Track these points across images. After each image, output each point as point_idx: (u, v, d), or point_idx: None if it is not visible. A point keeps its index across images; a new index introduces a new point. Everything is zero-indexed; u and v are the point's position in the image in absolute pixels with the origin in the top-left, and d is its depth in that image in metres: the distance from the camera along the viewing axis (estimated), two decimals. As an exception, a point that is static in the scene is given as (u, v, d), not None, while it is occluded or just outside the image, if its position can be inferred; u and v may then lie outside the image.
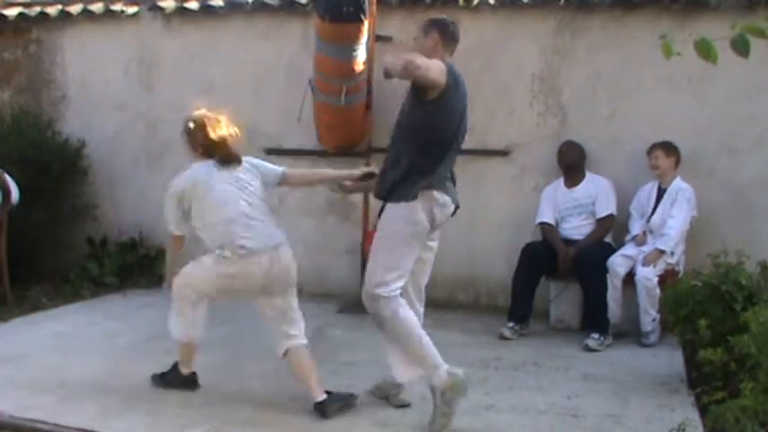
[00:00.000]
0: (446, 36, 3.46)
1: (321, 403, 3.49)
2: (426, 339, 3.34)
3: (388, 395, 3.63)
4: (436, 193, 3.35)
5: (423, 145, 3.31)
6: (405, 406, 3.57)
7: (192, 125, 3.71)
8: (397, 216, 3.32)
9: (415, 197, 3.29)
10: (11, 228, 5.45)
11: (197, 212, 3.65)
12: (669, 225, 4.80)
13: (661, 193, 4.94)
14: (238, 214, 3.53)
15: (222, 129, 3.71)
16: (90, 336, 4.79)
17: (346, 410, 3.50)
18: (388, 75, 3.29)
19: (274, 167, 3.87)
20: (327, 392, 3.53)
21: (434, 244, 3.58)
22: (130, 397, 3.68)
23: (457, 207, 3.52)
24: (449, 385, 3.26)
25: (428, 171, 3.32)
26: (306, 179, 4.17)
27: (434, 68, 3.21)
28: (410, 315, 3.37)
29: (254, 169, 3.76)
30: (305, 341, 3.70)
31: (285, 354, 3.64)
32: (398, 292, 3.35)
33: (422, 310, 3.65)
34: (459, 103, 3.39)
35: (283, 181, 3.88)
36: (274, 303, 3.63)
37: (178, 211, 3.73)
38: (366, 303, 3.40)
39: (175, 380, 3.80)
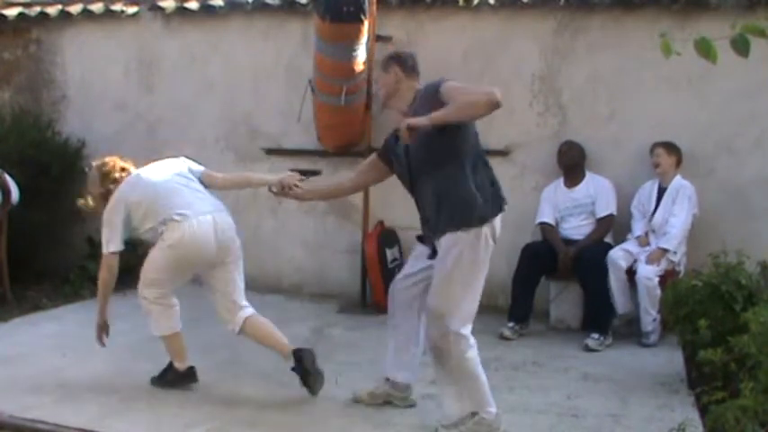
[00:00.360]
0: (406, 68, 3.49)
1: (299, 351, 3.65)
2: (484, 379, 3.31)
3: (390, 398, 3.61)
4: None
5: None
6: (412, 406, 3.60)
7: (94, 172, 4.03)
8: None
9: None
10: (11, 228, 5.46)
11: (138, 215, 3.80)
12: (671, 224, 4.80)
13: (661, 192, 4.94)
14: (172, 190, 3.76)
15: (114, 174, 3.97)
16: (90, 336, 4.75)
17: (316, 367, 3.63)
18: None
19: (198, 167, 4.07)
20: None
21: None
22: (130, 397, 3.68)
23: None
24: (487, 422, 3.23)
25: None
26: (230, 183, 4.21)
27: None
28: (475, 353, 3.29)
29: (183, 163, 4.02)
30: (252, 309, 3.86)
31: (242, 329, 3.79)
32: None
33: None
34: None
35: (203, 181, 3.99)
36: (228, 272, 3.82)
37: (120, 226, 3.85)
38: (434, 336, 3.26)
39: (174, 378, 3.81)
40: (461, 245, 3.19)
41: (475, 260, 3.26)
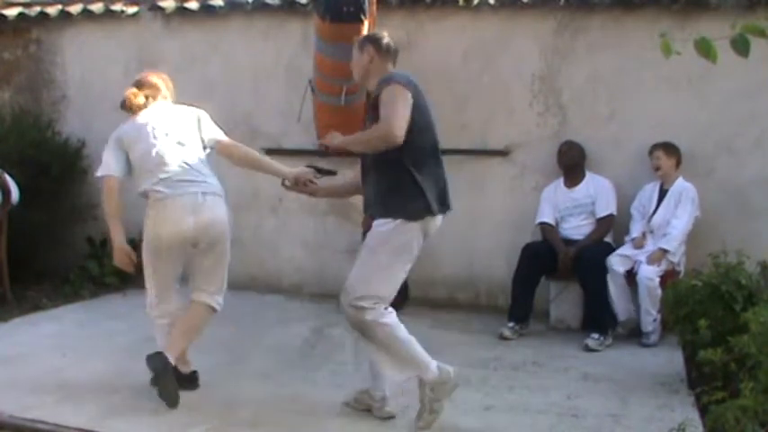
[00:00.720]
0: (381, 50, 3.44)
1: (190, 374, 3.71)
2: (411, 339, 3.34)
3: (370, 407, 3.53)
4: None
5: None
6: (391, 417, 3.48)
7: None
8: None
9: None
10: (11, 228, 5.46)
11: (134, 166, 3.80)
12: (673, 225, 4.80)
13: (663, 194, 4.94)
14: (163, 156, 3.66)
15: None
16: (90, 336, 4.79)
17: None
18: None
19: (213, 131, 3.82)
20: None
21: None
22: (130, 397, 3.68)
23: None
24: (438, 381, 3.27)
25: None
26: (244, 161, 3.90)
27: (404, 110, 3.19)
28: (393, 318, 3.32)
29: (196, 122, 3.78)
30: (215, 305, 3.76)
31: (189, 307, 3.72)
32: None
33: None
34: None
35: (215, 148, 3.83)
36: (204, 262, 3.72)
37: (113, 156, 3.83)
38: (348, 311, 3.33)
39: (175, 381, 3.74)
40: (387, 229, 3.27)
41: (397, 248, 3.29)
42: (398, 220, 3.25)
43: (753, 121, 5.03)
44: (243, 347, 4.51)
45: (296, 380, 3.88)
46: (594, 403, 3.71)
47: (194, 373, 3.83)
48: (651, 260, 4.71)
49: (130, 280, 6.08)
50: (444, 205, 3.42)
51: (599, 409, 3.64)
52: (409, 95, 3.21)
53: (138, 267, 3.79)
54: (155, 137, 3.67)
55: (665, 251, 4.73)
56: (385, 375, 3.41)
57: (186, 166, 3.66)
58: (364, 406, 3.56)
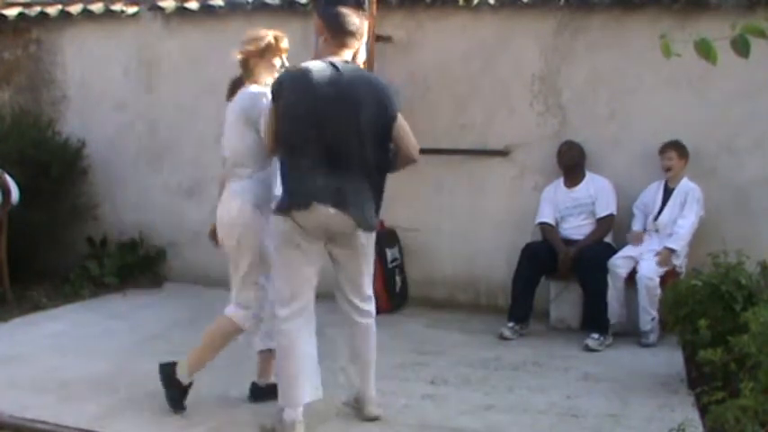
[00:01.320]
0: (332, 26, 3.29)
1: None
2: (297, 369, 3.27)
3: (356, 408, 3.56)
4: None
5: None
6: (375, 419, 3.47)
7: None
8: None
9: None
10: (11, 228, 5.46)
11: None
12: (680, 224, 4.81)
13: (668, 193, 4.94)
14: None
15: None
16: (90, 336, 4.79)
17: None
18: None
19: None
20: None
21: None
22: (130, 397, 3.68)
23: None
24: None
25: None
26: None
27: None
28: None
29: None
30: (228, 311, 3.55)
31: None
32: None
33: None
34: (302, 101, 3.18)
35: None
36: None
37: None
38: None
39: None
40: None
41: (276, 246, 3.27)
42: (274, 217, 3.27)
43: (753, 121, 5.03)
44: (242, 348, 4.50)
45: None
46: (594, 403, 3.71)
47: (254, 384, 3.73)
48: (660, 261, 4.69)
49: (130, 280, 6.11)
50: (303, 200, 3.14)
51: (599, 409, 3.64)
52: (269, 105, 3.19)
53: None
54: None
55: (671, 250, 4.73)
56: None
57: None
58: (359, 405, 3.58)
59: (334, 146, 3.15)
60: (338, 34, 3.27)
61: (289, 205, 3.16)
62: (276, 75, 3.43)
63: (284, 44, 3.53)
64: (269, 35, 3.49)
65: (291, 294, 3.24)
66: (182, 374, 3.51)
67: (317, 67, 3.20)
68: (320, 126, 3.13)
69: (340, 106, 3.14)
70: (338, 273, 3.40)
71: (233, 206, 3.39)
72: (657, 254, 4.75)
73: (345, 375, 3.60)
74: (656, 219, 4.95)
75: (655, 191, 5.02)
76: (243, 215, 3.36)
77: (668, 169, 4.92)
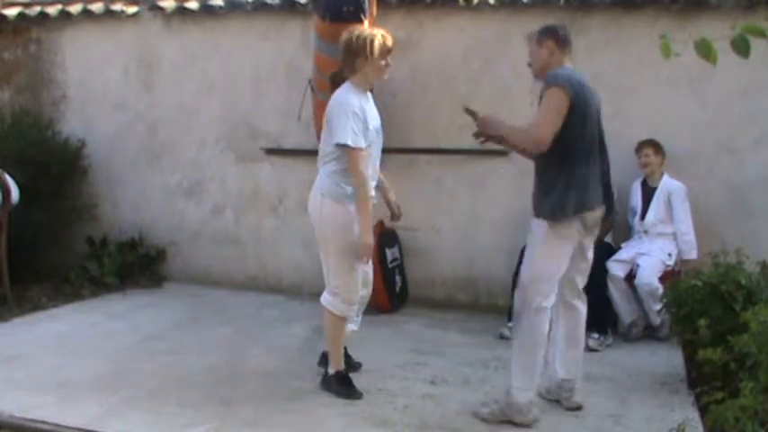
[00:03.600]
0: (559, 41, 3.48)
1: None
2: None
3: (559, 397, 3.66)
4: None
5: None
6: (578, 408, 3.61)
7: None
8: None
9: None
10: (11, 228, 5.45)
11: None
12: (683, 231, 4.82)
13: (648, 192, 4.95)
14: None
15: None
16: (90, 336, 4.79)
17: None
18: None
19: None
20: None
21: None
22: (130, 397, 3.68)
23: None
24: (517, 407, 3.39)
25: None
26: None
27: (556, 118, 3.32)
28: None
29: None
30: (322, 301, 3.78)
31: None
32: None
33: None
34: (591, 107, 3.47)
35: None
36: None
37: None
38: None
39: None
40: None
41: (550, 243, 3.47)
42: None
43: (753, 121, 5.03)
44: (243, 347, 4.51)
45: (296, 380, 3.88)
46: (594, 403, 3.71)
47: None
48: (688, 273, 4.65)
49: (130, 280, 6.11)
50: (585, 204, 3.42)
51: (599, 408, 3.64)
52: (566, 100, 3.29)
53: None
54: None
55: (692, 259, 4.77)
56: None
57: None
58: (555, 396, 3.68)
59: (595, 149, 3.51)
60: (565, 46, 3.51)
61: (585, 207, 3.42)
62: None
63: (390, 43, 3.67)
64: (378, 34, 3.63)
65: (553, 287, 3.45)
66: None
67: (580, 74, 3.49)
68: (594, 132, 3.50)
69: (599, 116, 3.55)
70: (576, 263, 3.56)
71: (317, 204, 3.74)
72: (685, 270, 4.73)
73: (551, 364, 3.68)
74: (642, 219, 4.96)
75: (636, 191, 5.04)
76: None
77: (646, 165, 4.94)
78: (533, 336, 3.38)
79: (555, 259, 3.41)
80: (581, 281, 3.64)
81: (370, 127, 3.63)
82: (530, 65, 3.59)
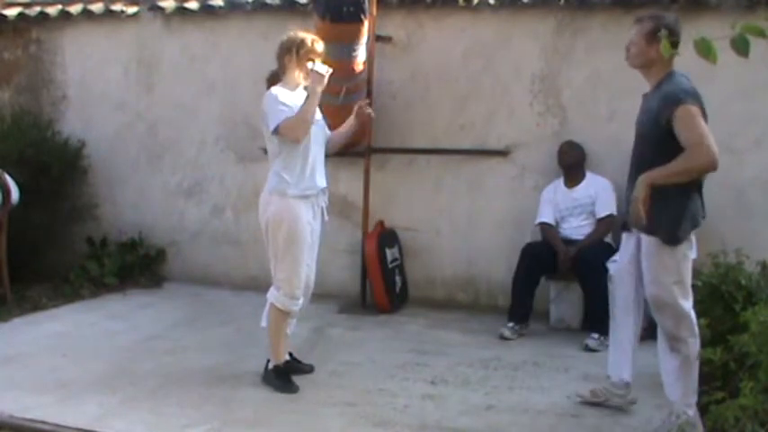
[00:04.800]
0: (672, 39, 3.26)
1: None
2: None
3: (608, 398, 3.65)
4: None
5: None
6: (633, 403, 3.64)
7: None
8: None
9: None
10: (11, 228, 5.45)
11: None
12: None
13: None
14: None
15: None
16: (90, 336, 4.79)
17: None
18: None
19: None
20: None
21: None
22: (130, 397, 3.68)
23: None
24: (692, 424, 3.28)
25: None
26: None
27: (705, 131, 3.30)
28: None
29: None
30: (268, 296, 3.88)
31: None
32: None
33: None
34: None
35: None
36: None
37: None
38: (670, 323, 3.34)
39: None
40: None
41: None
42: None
43: (753, 121, 5.03)
44: (243, 347, 4.51)
45: (296, 380, 3.88)
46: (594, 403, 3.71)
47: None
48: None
49: (130, 280, 6.11)
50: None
51: (599, 409, 3.64)
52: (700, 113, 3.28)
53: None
54: None
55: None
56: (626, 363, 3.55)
57: None
58: (602, 398, 3.65)
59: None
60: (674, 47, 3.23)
61: (696, 225, 3.40)
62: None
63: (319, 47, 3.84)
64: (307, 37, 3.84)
65: None
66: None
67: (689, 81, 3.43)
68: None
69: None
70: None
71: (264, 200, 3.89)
72: None
73: (616, 366, 3.67)
74: None
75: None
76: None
77: None
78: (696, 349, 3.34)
79: (687, 273, 3.34)
80: None
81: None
82: (628, 49, 3.48)
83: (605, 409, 3.63)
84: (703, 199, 3.47)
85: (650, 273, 3.35)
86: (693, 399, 3.31)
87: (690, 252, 3.37)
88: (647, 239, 3.32)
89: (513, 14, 5.42)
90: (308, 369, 4.08)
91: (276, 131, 3.67)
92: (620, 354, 3.65)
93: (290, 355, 4.05)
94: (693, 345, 3.31)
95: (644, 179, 3.17)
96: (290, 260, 3.73)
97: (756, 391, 2.84)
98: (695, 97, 3.31)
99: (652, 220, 3.19)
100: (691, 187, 3.35)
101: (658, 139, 3.31)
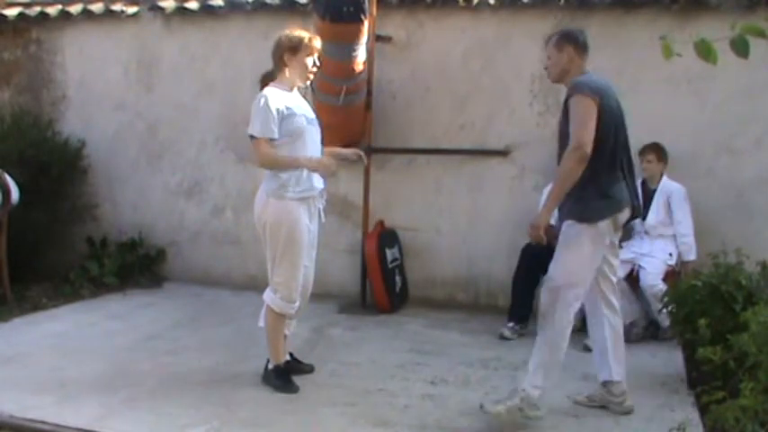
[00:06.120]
0: (579, 47, 3.52)
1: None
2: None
3: (608, 402, 3.63)
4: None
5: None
6: (629, 413, 3.58)
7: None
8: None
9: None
10: (11, 228, 5.45)
11: None
12: (683, 233, 4.81)
13: (648, 193, 4.95)
14: None
15: None
16: (90, 336, 4.79)
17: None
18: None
19: None
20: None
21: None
22: (130, 397, 3.68)
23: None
24: (530, 401, 3.38)
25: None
26: None
27: (590, 123, 3.32)
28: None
29: None
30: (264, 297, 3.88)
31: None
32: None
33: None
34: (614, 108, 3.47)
35: None
36: None
37: None
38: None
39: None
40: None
41: (582, 245, 3.44)
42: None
43: (753, 121, 5.03)
44: (243, 347, 4.51)
45: (296, 380, 3.88)
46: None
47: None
48: (688, 276, 4.64)
49: (130, 280, 6.11)
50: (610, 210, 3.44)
51: (599, 409, 3.64)
52: (594, 107, 3.31)
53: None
54: None
55: (691, 261, 4.76)
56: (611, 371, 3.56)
57: None
58: (598, 402, 3.65)
59: (622, 153, 3.50)
60: (584, 52, 3.55)
61: (616, 208, 3.43)
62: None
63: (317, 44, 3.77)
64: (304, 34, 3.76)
65: (584, 290, 3.45)
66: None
67: (603, 79, 3.50)
68: (620, 136, 3.47)
69: (623, 118, 3.51)
70: (609, 260, 3.56)
71: (260, 201, 3.84)
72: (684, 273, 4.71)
73: (598, 368, 3.69)
74: (643, 220, 4.95)
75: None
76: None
77: (646, 170, 4.94)
78: (562, 335, 3.40)
79: (588, 262, 3.41)
80: (615, 277, 3.65)
81: (298, 115, 3.71)
82: (546, 68, 3.61)
83: (605, 409, 3.63)
84: (629, 186, 3.52)
85: (557, 251, 3.48)
86: (544, 382, 3.40)
87: (604, 239, 3.42)
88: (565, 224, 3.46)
89: (513, 14, 5.43)
90: (309, 369, 4.07)
91: (251, 138, 3.67)
92: (598, 354, 3.66)
93: (291, 355, 4.05)
94: (558, 334, 3.41)
95: (545, 209, 3.37)
96: (288, 263, 3.71)
97: (756, 391, 2.84)
98: (596, 92, 3.36)
99: (572, 208, 3.41)
100: (603, 182, 3.40)
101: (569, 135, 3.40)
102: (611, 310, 3.59)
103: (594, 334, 3.67)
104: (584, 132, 3.28)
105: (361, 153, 4.19)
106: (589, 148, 3.27)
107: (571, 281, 3.37)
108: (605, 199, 3.41)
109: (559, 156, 3.47)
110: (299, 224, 3.70)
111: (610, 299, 3.59)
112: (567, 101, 3.45)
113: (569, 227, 3.43)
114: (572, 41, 3.50)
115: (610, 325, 3.59)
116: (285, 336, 3.98)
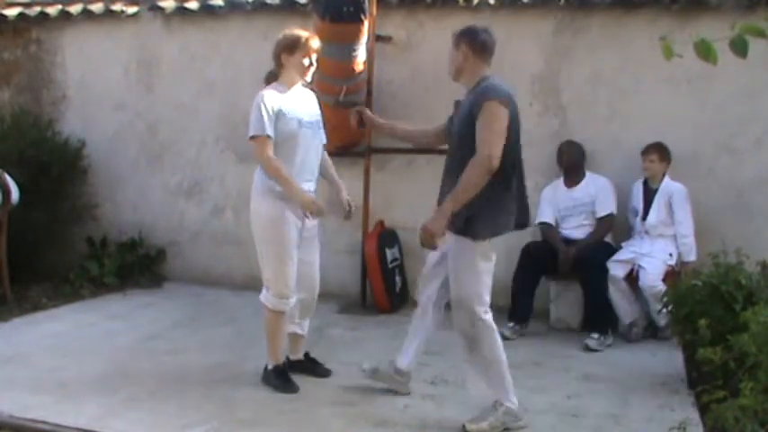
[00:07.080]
0: (476, 47, 3.37)
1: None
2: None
3: (390, 380, 3.72)
4: None
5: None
6: (407, 394, 3.71)
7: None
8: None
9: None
10: (11, 228, 5.46)
11: None
12: (683, 233, 4.81)
13: (650, 193, 4.95)
14: None
15: None
16: (90, 336, 4.79)
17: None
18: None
19: None
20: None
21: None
22: (130, 397, 3.68)
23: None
24: (515, 414, 3.39)
25: None
26: None
27: (499, 132, 3.22)
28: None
29: None
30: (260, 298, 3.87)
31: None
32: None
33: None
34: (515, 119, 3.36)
35: None
36: None
37: None
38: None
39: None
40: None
41: (475, 260, 3.49)
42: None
43: (753, 121, 5.03)
44: (243, 347, 4.51)
45: (296, 380, 3.88)
46: (594, 403, 3.71)
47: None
48: (688, 276, 4.64)
49: (130, 280, 6.11)
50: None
51: (599, 409, 3.64)
52: (507, 115, 3.22)
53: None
54: None
55: (690, 262, 4.76)
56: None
57: None
58: (383, 379, 3.74)
59: (519, 166, 3.45)
60: (483, 52, 3.40)
61: (501, 229, 3.43)
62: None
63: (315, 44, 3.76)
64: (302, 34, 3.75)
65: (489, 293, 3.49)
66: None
67: (507, 85, 3.37)
68: (518, 148, 3.40)
69: (519, 126, 3.39)
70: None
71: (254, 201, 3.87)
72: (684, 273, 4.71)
73: (403, 351, 3.78)
74: (643, 220, 4.96)
75: (637, 191, 5.04)
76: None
77: (648, 170, 4.94)
78: (496, 347, 3.43)
79: (486, 272, 3.46)
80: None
81: (289, 117, 3.68)
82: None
83: (605, 409, 3.63)
84: (524, 203, 3.54)
85: (453, 272, 3.45)
86: (509, 395, 3.39)
87: (491, 255, 3.44)
88: (453, 240, 3.38)
89: (513, 14, 5.43)
90: (325, 373, 4.05)
91: (251, 139, 3.67)
92: (406, 341, 3.75)
93: (307, 355, 4.07)
94: (493, 347, 3.44)
95: (441, 212, 3.22)
96: (275, 259, 3.71)
97: (756, 391, 2.84)
98: (505, 99, 3.26)
99: (464, 221, 3.29)
100: (497, 197, 3.33)
101: (473, 138, 3.25)
102: (440, 314, 3.75)
103: (416, 325, 3.74)
104: (496, 144, 3.17)
105: (350, 207, 4.07)
106: (497, 161, 3.15)
107: (479, 296, 3.44)
108: (497, 218, 3.36)
109: (449, 156, 3.43)
110: (283, 221, 3.69)
111: (440, 304, 3.71)
112: (459, 102, 3.42)
113: (461, 242, 3.36)
114: (468, 40, 3.36)
115: (433, 327, 3.73)
116: (300, 335, 4.01)
